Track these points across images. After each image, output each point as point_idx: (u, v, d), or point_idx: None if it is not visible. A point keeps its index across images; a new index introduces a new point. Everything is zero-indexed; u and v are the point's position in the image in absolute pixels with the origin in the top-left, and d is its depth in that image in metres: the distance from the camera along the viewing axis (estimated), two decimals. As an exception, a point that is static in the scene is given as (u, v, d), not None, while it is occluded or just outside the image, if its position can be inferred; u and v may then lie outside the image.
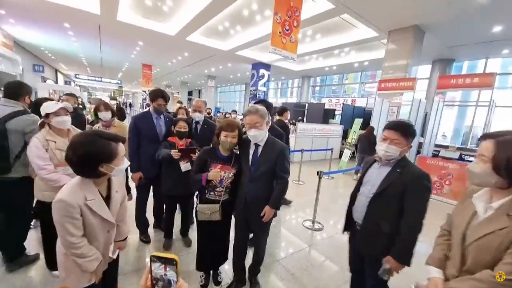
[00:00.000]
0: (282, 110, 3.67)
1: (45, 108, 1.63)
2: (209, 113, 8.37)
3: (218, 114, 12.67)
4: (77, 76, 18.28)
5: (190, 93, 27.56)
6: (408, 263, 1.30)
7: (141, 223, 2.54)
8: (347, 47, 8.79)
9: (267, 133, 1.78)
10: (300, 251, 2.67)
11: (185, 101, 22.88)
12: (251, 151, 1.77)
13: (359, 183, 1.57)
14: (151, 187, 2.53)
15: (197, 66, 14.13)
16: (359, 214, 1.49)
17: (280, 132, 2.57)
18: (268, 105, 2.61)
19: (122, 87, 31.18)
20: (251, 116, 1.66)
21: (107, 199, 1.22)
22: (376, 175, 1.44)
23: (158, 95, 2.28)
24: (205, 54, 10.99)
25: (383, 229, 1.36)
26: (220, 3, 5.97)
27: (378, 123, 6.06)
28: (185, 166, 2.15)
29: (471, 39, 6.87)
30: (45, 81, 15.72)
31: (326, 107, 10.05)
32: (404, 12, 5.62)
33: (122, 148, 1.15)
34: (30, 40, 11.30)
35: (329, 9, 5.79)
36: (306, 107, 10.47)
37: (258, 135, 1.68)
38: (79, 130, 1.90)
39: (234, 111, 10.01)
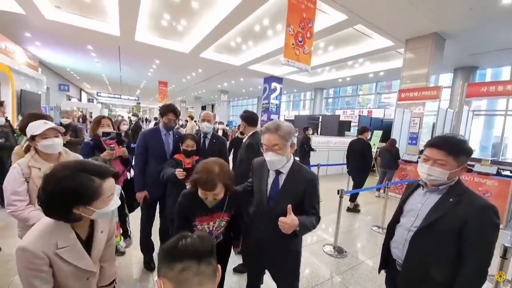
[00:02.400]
0: (362, 130, 3.90)
1: (30, 129, 1.38)
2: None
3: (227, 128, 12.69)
4: (99, 94, 19.31)
5: (203, 108, 28.21)
6: None
7: (145, 246, 2.36)
8: (361, 58, 8.61)
9: (292, 158, 1.37)
10: (320, 285, 2.36)
11: (198, 115, 23.39)
12: (270, 180, 1.38)
13: (399, 212, 1.28)
14: (157, 206, 2.35)
15: (210, 82, 14.46)
16: (399, 252, 1.21)
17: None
18: (251, 116, 2.46)
19: (140, 103, 32.64)
20: (269, 135, 1.28)
21: (88, 241, 0.99)
22: (422, 204, 1.16)
23: (169, 110, 2.16)
24: (218, 69, 11.22)
25: (433, 276, 1.07)
26: (232, 20, 6.07)
27: (400, 135, 5.69)
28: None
29: (495, 46, 6.48)
30: (69, 99, 16.74)
31: (341, 118, 9.73)
32: (422, 20, 5.40)
33: (109, 186, 0.91)
34: (56, 61, 12.14)
35: (342, 20, 5.70)
36: (320, 119, 10.21)
37: (276, 162, 1.29)
38: (73, 154, 1.62)
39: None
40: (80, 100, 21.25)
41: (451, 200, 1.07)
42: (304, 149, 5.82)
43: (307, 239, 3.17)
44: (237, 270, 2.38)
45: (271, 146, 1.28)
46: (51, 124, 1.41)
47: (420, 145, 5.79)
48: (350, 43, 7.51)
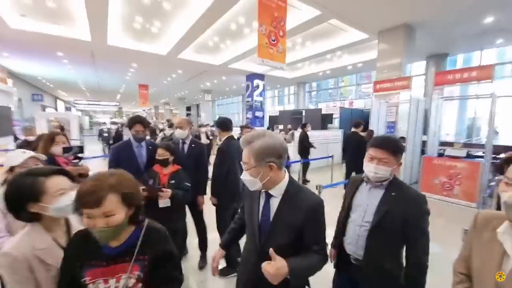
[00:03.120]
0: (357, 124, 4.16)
1: (8, 160, 1.33)
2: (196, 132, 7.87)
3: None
4: (76, 102, 18.53)
5: (188, 109, 27.78)
6: None
7: None
8: (338, 51, 8.76)
9: (286, 178, 1.05)
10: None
11: (183, 116, 23.02)
12: (261, 205, 1.08)
13: (348, 207, 1.33)
14: None
15: (192, 82, 14.24)
16: (353, 247, 1.27)
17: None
18: (223, 121, 2.40)
19: (122, 108, 31.67)
20: (244, 149, 1.03)
21: None
22: (368, 199, 1.25)
23: (135, 121, 2.10)
24: (198, 69, 11.07)
25: (388, 269, 1.18)
26: (207, 20, 5.99)
27: (377, 125, 5.89)
28: (164, 202, 1.90)
29: (464, 32, 6.79)
30: (44, 110, 15.94)
31: (324, 112, 9.91)
32: (392, 12, 5.57)
33: (54, 182, 0.96)
34: (27, 71, 11.51)
35: (316, 15, 5.77)
36: (303, 114, 10.35)
37: (249, 183, 1.03)
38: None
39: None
40: (56, 109, 20.29)
41: (393, 194, 1.19)
42: (304, 145, 5.93)
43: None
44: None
45: (245, 162, 1.02)
46: (30, 153, 1.37)
47: (398, 133, 6.03)
48: (326, 37, 7.63)
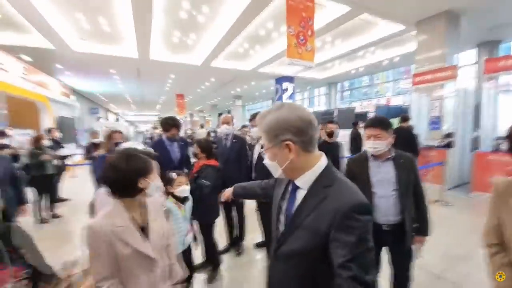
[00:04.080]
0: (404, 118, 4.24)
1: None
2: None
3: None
4: (124, 113, 20.79)
5: (220, 115, 28.94)
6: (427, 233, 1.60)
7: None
8: (371, 47, 8.39)
9: (320, 167, 0.79)
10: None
11: (215, 122, 24.11)
12: (286, 198, 0.87)
13: (368, 182, 1.53)
14: None
15: (224, 89, 14.91)
16: (385, 217, 1.51)
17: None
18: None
19: (161, 118, 34.41)
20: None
21: (144, 230, 1.08)
22: (384, 173, 1.53)
23: (171, 125, 2.38)
24: (230, 76, 11.58)
25: (411, 218, 1.55)
26: (237, 28, 6.33)
27: (418, 122, 5.47)
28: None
29: (519, 14, 5.96)
30: (99, 120, 18.27)
31: (357, 110, 9.49)
32: (429, 0, 5.19)
33: (156, 165, 1.14)
34: (85, 87, 13.38)
35: (345, 12, 5.67)
36: (335, 114, 10.05)
37: (272, 169, 0.83)
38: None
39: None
40: (107, 119, 23.04)
41: (401, 161, 1.54)
42: (356, 143, 5.94)
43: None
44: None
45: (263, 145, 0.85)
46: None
47: (443, 129, 5.51)
48: (357, 33, 7.38)
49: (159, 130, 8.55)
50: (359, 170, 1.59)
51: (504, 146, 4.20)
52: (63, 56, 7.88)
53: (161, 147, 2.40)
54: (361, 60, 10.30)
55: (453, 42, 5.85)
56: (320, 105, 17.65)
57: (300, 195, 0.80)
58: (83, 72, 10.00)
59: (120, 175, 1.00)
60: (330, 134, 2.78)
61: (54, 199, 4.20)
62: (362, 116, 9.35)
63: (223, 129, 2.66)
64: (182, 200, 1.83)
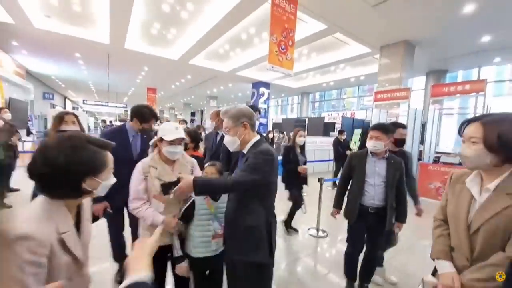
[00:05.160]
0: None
1: (162, 131, 1.46)
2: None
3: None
4: (85, 102, 19.01)
5: (193, 114, 28.24)
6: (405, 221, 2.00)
7: (117, 248, 2.05)
8: (342, 64, 9.19)
9: (256, 139, 1.37)
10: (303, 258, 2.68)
11: (188, 121, 23.46)
12: (238, 162, 1.45)
13: (363, 173, 1.91)
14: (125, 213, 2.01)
15: (200, 87, 14.70)
16: (372, 200, 1.89)
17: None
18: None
19: (127, 110, 32.22)
20: (224, 118, 1.39)
21: (76, 228, 0.87)
22: (377, 167, 1.90)
23: (149, 114, 1.95)
24: (207, 75, 11.51)
25: (393, 206, 1.94)
26: (220, 29, 6.43)
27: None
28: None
29: (462, 50, 7.19)
30: (54, 107, 16.42)
31: (326, 120, 10.25)
32: (393, 29, 5.98)
33: (110, 157, 0.88)
34: (42, 69, 11.99)
35: (322, 29, 6.20)
36: (306, 122, 10.68)
37: (231, 143, 1.36)
38: (189, 158, 1.67)
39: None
40: (64, 108, 20.83)
41: (392, 161, 1.91)
42: (338, 150, 6.03)
43: (297, 226, 3.49)
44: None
45: (225, 128, 1.37)
46: (180, 134, 1.47)
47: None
48: (331, 49, 8.06)
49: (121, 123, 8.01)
50: (358, 162, 1.96)
51: (443, 158, 5.05)
52: (22, 32, 7.04)
53: (121, 137, 1.92)
54: (332, 75, 11.18)
55: (408, 68, 6.79)
56: (293, 113, 18.46)
57: (243, 158, 1.35)
58: (42, 52, 9.00)
59: (57, 171, 0.73)
60: (400, 142, 2.24)
61: (6, 188, 3.76)
62: (330, 125, 10.12)
63: (206, 125, 2.73)
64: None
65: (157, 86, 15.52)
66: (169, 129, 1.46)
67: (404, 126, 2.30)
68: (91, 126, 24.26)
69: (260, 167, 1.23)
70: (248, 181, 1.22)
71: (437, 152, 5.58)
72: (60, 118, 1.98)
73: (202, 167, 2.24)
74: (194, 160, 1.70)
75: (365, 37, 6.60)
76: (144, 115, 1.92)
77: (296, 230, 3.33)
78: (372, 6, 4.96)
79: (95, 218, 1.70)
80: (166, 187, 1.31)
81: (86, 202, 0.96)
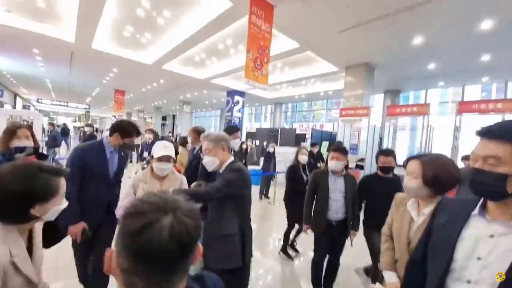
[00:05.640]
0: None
1: (154, 149, 1.68)
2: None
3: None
4: (40, 100, 17.17)
5: (164, 118, 27.22)
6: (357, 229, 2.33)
7: (83, 268, 1.91)
8: (312, 79, 9.84)
9: (231, 159, 1.64)
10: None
11: (158, 126, 22.52)
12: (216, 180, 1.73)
13: (327, 190, 2.18)
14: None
15: (172, 92, 14.34)
16: (335, 214, 2.16)
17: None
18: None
19: (89, 112, 29.79)
20: (204, 141, 1.63)
21: (29, 251, 0.91)
22: (337, 184, 2.19)
23: (134, 130, 1.90)
24: (181, 81, 11.33)
25: (352, 214, 2.25)
26: (197, 38, 6.49)
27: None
28: None
29: (412, 75, 8.25)
30: (2, 106, 14.54)
31: (298, 132, 10.77)
32: (356, 53, 6.67)
33: (63, 184, 0.92)
34: (-10, 63, 10.65)
35: (295, 47, 6.64)
36: (279, 132, 11.09)
37: (210, 163, 1.59)
38: (179, 175, 1.83)
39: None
40: (14, 106, 18.51)
41: (348, 178, 2.25)
42: (311, 163, 5.92)
43: (268, 234, 3.63)
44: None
45: (205, 149, 1.60)
46: (168, 152, 1.64)
47: (359, 154, 6.93)
48: (302, 65, 8.60)
49: (88, 128, 7.37)
50: (322, 179, 2.23)
51: (398, 171, 5.71)
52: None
53: (99, 153, 1.82)
54: (304, 88, 11.85)
55: (369, 86, 7.57)
56: (266, 122, 18.92)
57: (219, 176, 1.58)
58: (-6, 45, 8.05)
59: (7, 198, 0.78)
60: (385, 169, 2.23)
61: None
62: (301, 136, 10.64)
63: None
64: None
65: (126, 88, 14.75)
66: (159, 147, 1.62)
67: (387, 153, 2.24)
68: (45, 127, 21.81)
69: (233, 182, 1.48)
70: (225, 192, 1.45)
71: (392, 164, 6.24)
72: (11, 132, 1.73)
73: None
74: (183, 177, 1.83)
75: (333, 57, 7.22)
76: (126, 129, 1.87)
77: (297, 251, 3.26)
78: (339, 32, 5.51)
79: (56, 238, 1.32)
80: None
81: (38, 225, 0.98)
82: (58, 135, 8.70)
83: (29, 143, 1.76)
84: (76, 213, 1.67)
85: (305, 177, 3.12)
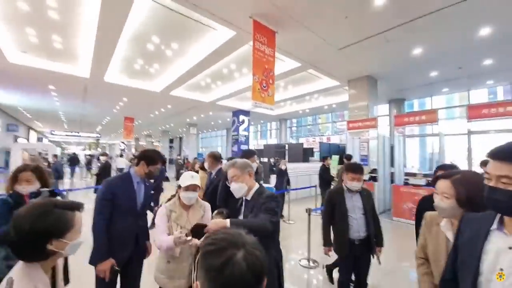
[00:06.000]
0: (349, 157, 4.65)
1: (181, 179, 1.69)
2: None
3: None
4: (53, 132, 17.88)
5: (171, 141, 27.72)
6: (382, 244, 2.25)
7: None
8: (315, 94, 10.03)
9: (257, 186, 1.63)
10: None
11: (166, 149, 22.90)
12: (242, 207, 1.67)
13: (345, 209, 2.14)
14: (118, 277, 1.78)
15: (179, 116, 14.75)
16: (357, 233, 2.10)
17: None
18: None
19: (99, 139, 30.68)
20: (230, 168, 1.61)
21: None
22: (355, 201, 2.17)
23: (159, 157, 1.94)
24: (188, 105, 11.71)
25: (375, 230, 2.21)
26: (203, 65, 6.81)
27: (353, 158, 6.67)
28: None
29: (415, 83, 8.35)
30: (16, 140, 15.18)
31: (305, 146, 10.78)
32: (357, 67, 6.86)
33: (79, 217, 0.95)
34: (7, 100, 11.30)
35: (297, 66, 6.88)
36: (287, 148, 11.12)
37: (239, 189, 1.57)
38: (203, 203, 1.82)
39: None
40: (28, 139, 19.28)
41: (364, 194, 2.21)
42: (323, 178, 5.92)
43: (286, 256, 3.53)
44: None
45: (232, 177, 1.58)
46: (194, 181, 1.67)
47: (370, 165, 6.85)
48: (305, 82, 8.83)
49: (103, 158, 7.53)
50: (338, 199, 2.18)
51: (411, 180, 5.59)
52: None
53: (127, 185, 1.82)
54: (307, 103, 12.04)
55: (373, 97, 7.66)
56: (272, 138, 19.05)
57: (248, 204, 1.57)
58: (13, 84, 8.61)
59: (22, 237, 0.83)
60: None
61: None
62: (309, 151, 10.63)
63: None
64: None
65: (135, 115, 15.28)
66: (186, 177, 1.66)
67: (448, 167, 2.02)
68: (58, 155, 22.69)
69: (276, 210, 1.46)
70: (275, 222, 1.41)
71: (406, 174, 6.14)
72: (14, 177, 1.72)
73: None
74: (207, 204, 1.84)
75: (334, 73, 7.42)
76: (152, 157, 1.89)
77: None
78: (338, 49, 5.72)
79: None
80: (197, 232, 1.35)
81: (59, 262, 1.02)
82: (60, 167, 8.46)
83: (30, 187, 1.71)
84: (104, 249, 1.63)
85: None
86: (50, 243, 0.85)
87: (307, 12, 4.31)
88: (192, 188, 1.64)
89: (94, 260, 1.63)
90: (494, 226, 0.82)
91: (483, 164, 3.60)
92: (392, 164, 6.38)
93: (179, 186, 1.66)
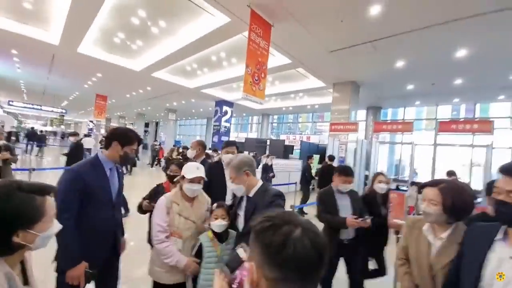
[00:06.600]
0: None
1: (185, 169, 1.58)
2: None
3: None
4: (11, 103, 15.93)
5: (146, 125, 26.37)
6: None
7: None
8: (301, 93, 10.17)
9: (260, 183, 1.54)
10: None
11: (141, 133, 21.74)
12: (243, 204, 1.59)
13: (336, 207, 2.18)
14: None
15: (158, 100, 14.02)
16: (347, 234, 2.15)
17: None
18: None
19: (64, 115, 28.07)
20: (229, 168, 1.57)
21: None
22: (345, 201, 2.23)
23: (136, 138, 1.59)
24: (169, 89, 11.15)
25: (360, 232, 2.20)
26: (192, 49, 6.49)
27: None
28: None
29: (393, 93, 8.87)
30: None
31: (286, 143, 10.95)
32: (343, 71, 7.07)
33: (51, 204, 0.79)
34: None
35: (287, 63, 6.88)
36: (268, 143, 11.20)
37: (238, 190, 1.51)
38: (206, 196, 1.75)
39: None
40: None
41: (352, 193, 2.28)
42: (325, 178, 5.69)
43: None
44: None
45: (230, 177, 1.53)
46: (200, 173, 1.57)
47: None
48: (292, 80, 8.89)
49: (73, 138, 6.56)
50: (328, 200, 2.23)
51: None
52: None
53: (98, 173, 1.49)
54: (292, 101, 12.19)
55: (354, 102, 7.99)
56: (252, 132, 19.06)
57: (250, 200, 1.49)
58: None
59: None
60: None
61: None
62: (289, 148, 10.82)
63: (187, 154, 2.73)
64: (220, 237, 1.53)
65: (108, 93, 14.18)
66: (191, 169, 1.57)
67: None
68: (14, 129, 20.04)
69: (284, 207, 1.45)
70: None
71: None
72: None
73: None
74: (209, 198, 1.78)
75: (322, 74, 7.57)
76: (126, 136, 1.55)
77: None
78: (329, 52, 5.82)
79: None
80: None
81: (30, 257, 0.86)
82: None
83: None
84: (74, 254, 1.33)
85: (384, 211, 2.43)
86: (16, 235, 0.70)
87: (305, 9, 4.29)
88: (197, 180, 1.57)
89: (65, 266, 1.33)
90: (499, 236, 0.88)
91: (449, 174, 3.96)
92: (367, 167, 6.77)
93: (183, 177, 1.56)
